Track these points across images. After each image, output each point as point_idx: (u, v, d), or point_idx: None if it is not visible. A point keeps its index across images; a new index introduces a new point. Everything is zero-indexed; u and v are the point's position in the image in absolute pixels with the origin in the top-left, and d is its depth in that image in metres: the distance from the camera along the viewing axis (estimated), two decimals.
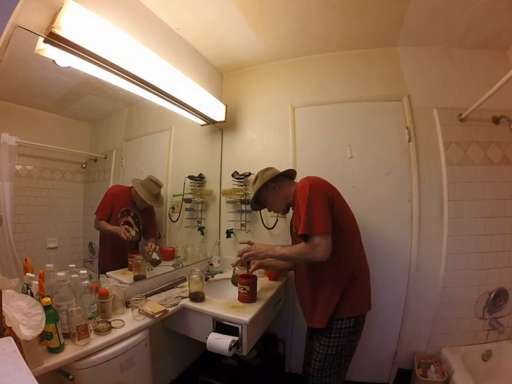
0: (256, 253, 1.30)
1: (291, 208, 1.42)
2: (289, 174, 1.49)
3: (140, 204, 1.59)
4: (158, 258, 1.63)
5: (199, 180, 2.05)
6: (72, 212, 1.33)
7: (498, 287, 1.70)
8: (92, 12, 1.04)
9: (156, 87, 1.40)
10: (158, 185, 1.65)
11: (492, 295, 1.69)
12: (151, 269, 1.58)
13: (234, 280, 1.56)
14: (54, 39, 0.96)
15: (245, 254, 1.32)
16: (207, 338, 1.25)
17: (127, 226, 1.54)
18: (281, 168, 1.50)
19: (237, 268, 1.52)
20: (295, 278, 1.46)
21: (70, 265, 1.10)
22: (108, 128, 1.52)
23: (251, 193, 2.01)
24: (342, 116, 1.90)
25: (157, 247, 1.67)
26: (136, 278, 1.44)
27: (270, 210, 1.53)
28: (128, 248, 1.56)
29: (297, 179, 1.43)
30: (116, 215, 1.51)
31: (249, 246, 1.36)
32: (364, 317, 1.29)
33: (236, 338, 1.23)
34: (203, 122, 2.00)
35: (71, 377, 0.89)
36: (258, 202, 1.53)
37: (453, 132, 1.74)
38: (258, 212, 1.97)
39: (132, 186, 1.57)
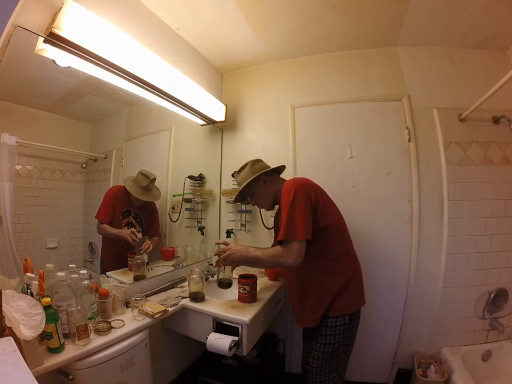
0: (231, 254, 1.27)
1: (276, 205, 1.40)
2: (279, 170, 1.46)
3: (134, 201, 1.56)
4: (146, 261, 1.52)
5: (199, 179, 2.05)
6: (72, 212, 1.33)
7: (498, 287, 1.70)
8: (92, 11, 1.04)
9: (156, 87, 1.40)
10: (147, 177, 1.57)
11: (492, 295, 1.69)
12: (151, 269, 1.57)
13: (221, 282, 1.42)
14: (54, 39, 0.96)
15: (221, 257, 1.30)
16: (207, 338, 1.25)
17: (133, 229, 1.52)
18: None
19: (221, 269, 1.43)
20: (285, 278, 1.45)
21: (70, 265, 1.09)
22: (108, 128, 1.52)
23: None
24: (342, 116, 1.90)
25: (150, 247, 1.57)
26: (136, 278, 1.44)
27: (254, 204, 1.48)
28: (131, 248, 1.55)
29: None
30: (118, 217, 1.50)
31: (225, 246, 1.32)
32: (359, 312, 1.28)
33: (236, 338, 1.23)
34: (203, 122, 2.00)
35: (71, 377, 0.89)
36: (242, 195, 1.45)
37: (453, 131, 1.74)
38: (258, 212, 1.97)
39: None
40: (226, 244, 1.35)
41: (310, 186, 1.24)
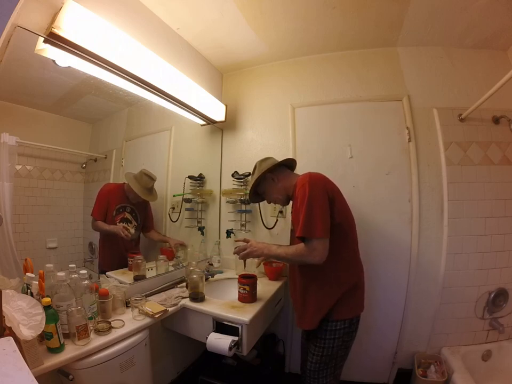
0: (252, 251, 1.28)
1: (291, 201, 1.37)
2: (289, 164, 1.43)
3: (133, 198, 1.56)
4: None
5: (199, 179, 2.05)
6: (72, 211, 1.33)
7: (498, 287, 1.70)
8: (92, 11, 1.04)
9: (156, 87, 1.40)
10: (152, 178, 1.61)
11: (492, 295, 1.69)
12: (151, 269, 1.57)
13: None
14: (54, 39, 0.96)
15: (241, 254, 1.30)
16: (207, 338, 1.25)
17: (124, 224, 1.52)
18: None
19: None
20: (289, 278, 1.43)
21: (70, 265, 1.10)
22: (107, 128, 1.52)
23: None
24: (342, 116, 1.90)
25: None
26: (136, 278, 1.44)
27: (269, 202, 1.47)
28: (128, 246, 1.55)
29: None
30: (111, 214, 1.50)
31: (245, 244, 1.32)
32: (359, 317, 1.27)
33: (236, 338, 1.23)
34: (203, 122, 2.00)
35: (71, 377, 0.89)
36: (257, 194, 1.46)
37: (453, 132, 1.74)
38: (258, 212, 1.97)
39: (124, 183, 1.55)
40: (246, 241, 1.33)
41: (325, 182, 1.23)
